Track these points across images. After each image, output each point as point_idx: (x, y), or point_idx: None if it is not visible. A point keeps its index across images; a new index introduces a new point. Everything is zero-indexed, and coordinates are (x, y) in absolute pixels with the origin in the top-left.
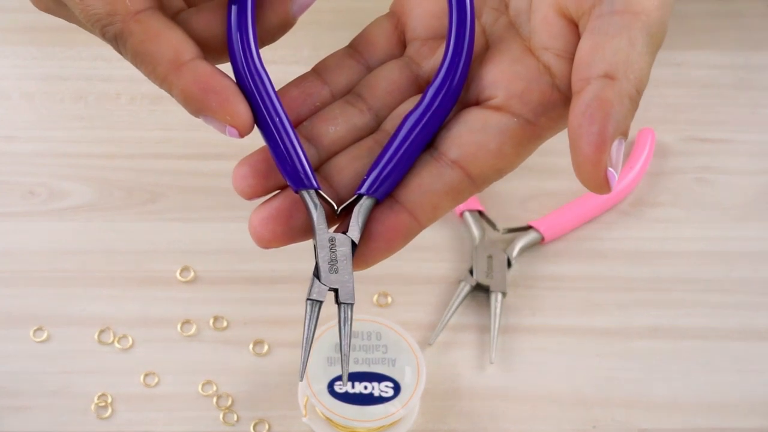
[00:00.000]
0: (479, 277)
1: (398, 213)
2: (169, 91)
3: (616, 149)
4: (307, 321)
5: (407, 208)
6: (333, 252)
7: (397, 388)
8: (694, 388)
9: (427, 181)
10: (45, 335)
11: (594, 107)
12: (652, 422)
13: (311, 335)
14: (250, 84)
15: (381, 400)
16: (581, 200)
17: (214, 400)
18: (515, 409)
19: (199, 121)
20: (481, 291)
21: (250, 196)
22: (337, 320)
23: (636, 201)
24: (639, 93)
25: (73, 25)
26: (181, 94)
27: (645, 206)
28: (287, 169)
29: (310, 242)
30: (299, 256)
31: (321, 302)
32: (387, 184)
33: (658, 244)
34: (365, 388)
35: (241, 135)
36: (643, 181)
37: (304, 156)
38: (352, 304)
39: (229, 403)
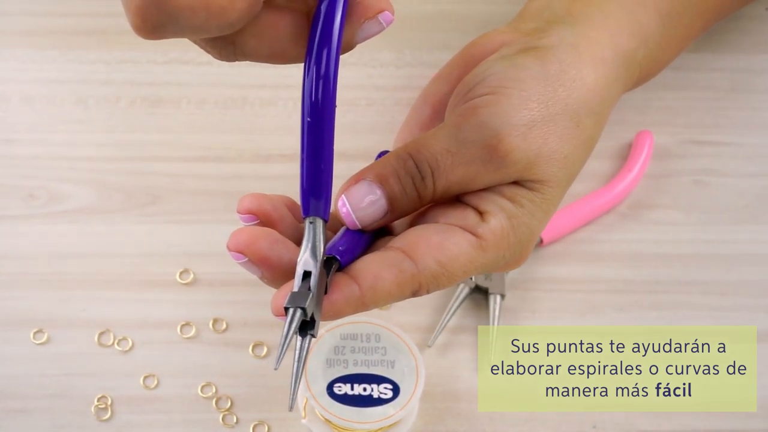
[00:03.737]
0: (478, 279)
1: (342, 277)
2: None
3: None
4: (292, 327)
5: (350, 275)
6: (321, 287)
7: (396, 390)
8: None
9: (370, 257)
10: (45, 337)
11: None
12: (651, 425)
13: (288, 340)
14: (318, 107)
15: (380, 401)
16: (579, 203)
17: (214, 402)
18: (514, 411)
19: (198, 124)
20: (480, 293)
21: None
22: (301, 354)
23: (634, 203)
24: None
25: (73, 29)
26: None
27: (643, 208)
28: (312, 194)
29: None
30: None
31: (305, 312)
32: (348, 250)
33: (657, 246)
34: (364, 389)
35: None
36: (642, 184)
37: (330, 190)
38: (314, 338)
39: (229, 405)
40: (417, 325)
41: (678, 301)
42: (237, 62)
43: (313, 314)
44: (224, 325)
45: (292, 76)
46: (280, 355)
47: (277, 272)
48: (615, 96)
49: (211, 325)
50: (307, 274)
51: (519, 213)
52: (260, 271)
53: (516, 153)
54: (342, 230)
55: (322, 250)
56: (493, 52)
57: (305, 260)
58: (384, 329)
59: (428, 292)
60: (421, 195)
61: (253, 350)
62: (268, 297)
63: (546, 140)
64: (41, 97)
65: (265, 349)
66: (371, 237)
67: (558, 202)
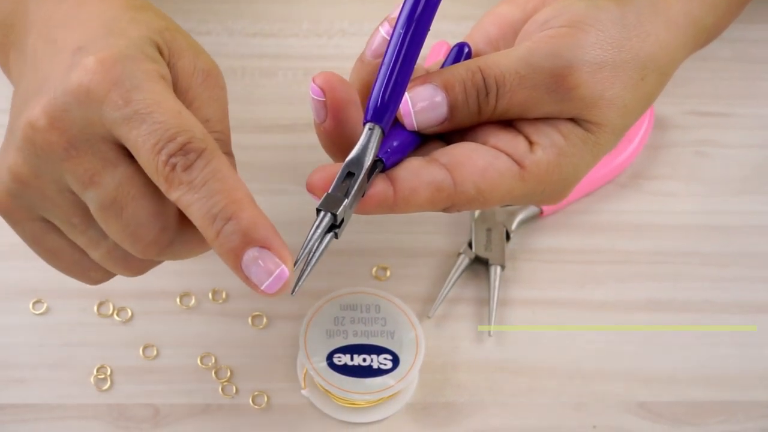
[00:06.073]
0: (478, 250)
1: (382, 181)
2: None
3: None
4: (319, 231)
5: (391, 179)
6: (360, 191)
7: (395, 361)
8: (693, 362)
9: (415, 165)
10: (44, 307)
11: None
12: (651, 396)
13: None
14: (415, 20)
15: (380, 372)
16: None
17: (213, 372)
18: (513, 381)
19: None
20: (480, 264)
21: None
22: (319, 246)
23: (634, 174)
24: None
25: None
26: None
27: (643, 179)
28: (381, 102)
29: (306, 220)
30: (297, 230)
31: (335, 218)
32: (396, 151)
33: (657, 217)
34: (364, 360)
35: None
36: (642, 154)
37: (398, 105)
38: (335, 238)
39: (228, 375)
40: (417, 296)
41: (678, 272)
42: (236, 33)
43: (343, 218)
44: (224, 296)
45: (291, 46)
46: (299, 256)
47: (338, 129)
48: (681, 59)
49: (210, 296)
50: (350, 175)
51: (569, 151)
52: (326, 117)
53: (582, 89)
54: (394, 129)
55: (371, 157)
56: None
57: (352, 160)
58: (384, 300)
59: (459, 211)
60: (482, 110)
61: (252, 321)
62: None
63: (612, 84)
64: None
65: (265, 320)
66: (421, 140)
67: (608, 149)
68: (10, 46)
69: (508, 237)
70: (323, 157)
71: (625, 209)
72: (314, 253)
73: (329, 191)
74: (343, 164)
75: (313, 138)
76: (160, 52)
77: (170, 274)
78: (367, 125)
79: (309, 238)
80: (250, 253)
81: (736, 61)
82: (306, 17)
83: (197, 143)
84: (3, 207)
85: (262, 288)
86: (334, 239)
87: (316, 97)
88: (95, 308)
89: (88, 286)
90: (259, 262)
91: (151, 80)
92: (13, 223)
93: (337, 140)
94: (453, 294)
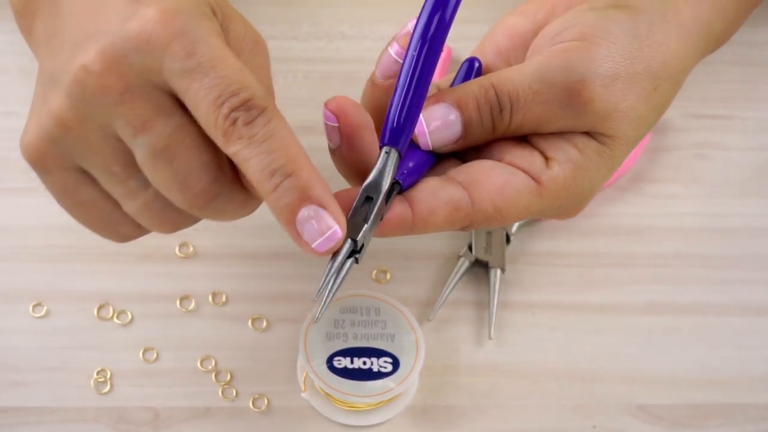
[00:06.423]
0: (478, 253)
1: (399, 203)
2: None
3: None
4: (340, 256)
5: (408, 201)
6: (379, 215)
7: (396, 364)
8: (693, 364)
9: (432, 186)
10: (44, 311)
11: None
12: (651, 398)
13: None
14: (428, 40)
15: (380, 375)
16: None
17: (213, 375)
18: (513, 384)
19: None
20: (480, 267)
21: None
22: (339, 272)
23: (635, 177)
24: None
25: None
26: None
27: (644, 182)
28: (397, 125)
29: None
30: None
31: (356, 244)
32: (412, 171)
33: (657, 220)
34: (364, 363)
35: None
36: (642, 157)
37: (413, 127)
38: (356, 263)
39: (228, 378)
40: (417, 299)
41: (678, 275)
42: None
43: (363, 243)
44: (224, 299)
45: (291, 49)
46: (322, 284)
47: (353, 153)
48: (692, 66)
49: (210, 299)
50: (368, 199)
51: (585, 165)
52: (340, 142)
53: (596, 102)
54: (409, 149)
55: (389, 181)
56: (582, 1)
57: (370, 185)
58: (384, 303)
59: (477, 229)
60: (496, 127)
61: (252, 324)
62: (267, 270)
63: (625, 96)
64: None
65: (265, 323)
66: (436, 159)
67: (622, 161)
68: (35, 10)
69: (508, 240)
70: (323, 159)
71: (626, 212)
72: (336, 279)
73: (348, 217)
74: (360, 189)
75: (313, 140)
76: (214, 14)
77: (170, 276)
78: (384, 149)
79: (331, 264)
80: (305, 212)
81: (737, 64)
82: (306, 20)
83: (259, 101)
84: (40, 153)
85: (313, 246)
86: (355, 264)
87: (329, 123)
88: (95, 311)
89: (87, 289)
90: (313, 221)
91: (212, 36)
92: (45, 171)
93: (353, 164)
94: (453, 297)
